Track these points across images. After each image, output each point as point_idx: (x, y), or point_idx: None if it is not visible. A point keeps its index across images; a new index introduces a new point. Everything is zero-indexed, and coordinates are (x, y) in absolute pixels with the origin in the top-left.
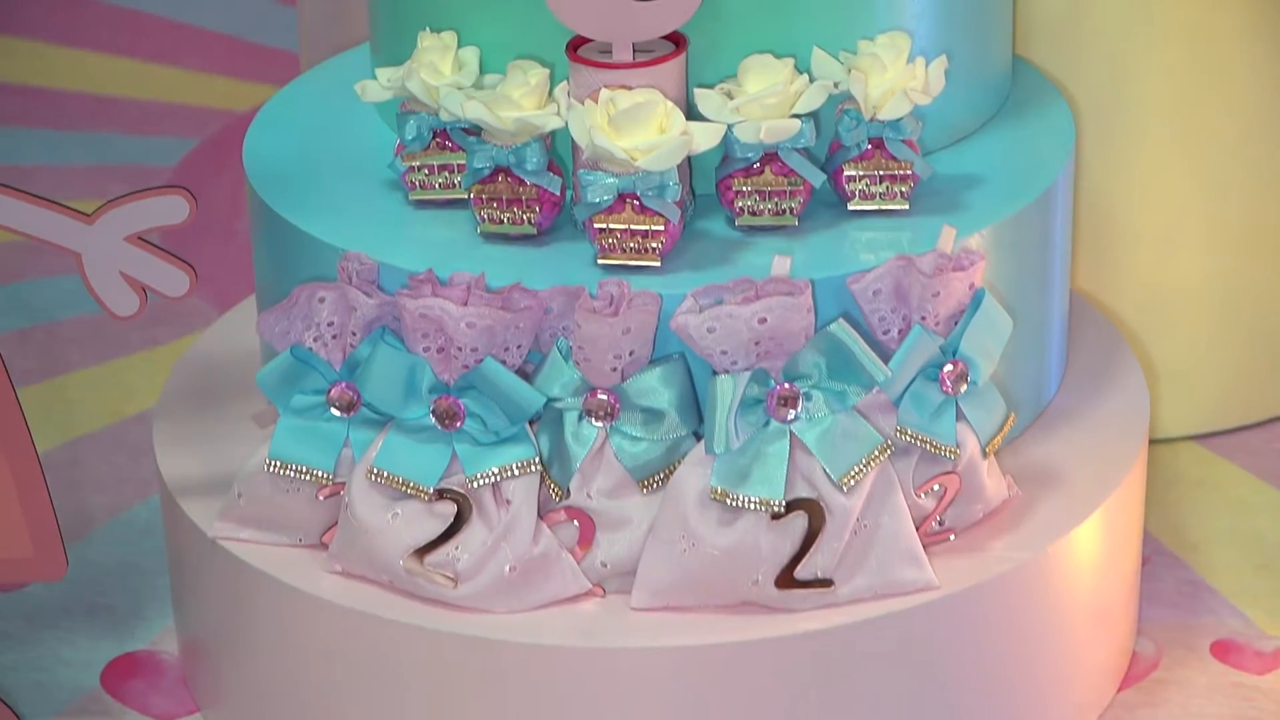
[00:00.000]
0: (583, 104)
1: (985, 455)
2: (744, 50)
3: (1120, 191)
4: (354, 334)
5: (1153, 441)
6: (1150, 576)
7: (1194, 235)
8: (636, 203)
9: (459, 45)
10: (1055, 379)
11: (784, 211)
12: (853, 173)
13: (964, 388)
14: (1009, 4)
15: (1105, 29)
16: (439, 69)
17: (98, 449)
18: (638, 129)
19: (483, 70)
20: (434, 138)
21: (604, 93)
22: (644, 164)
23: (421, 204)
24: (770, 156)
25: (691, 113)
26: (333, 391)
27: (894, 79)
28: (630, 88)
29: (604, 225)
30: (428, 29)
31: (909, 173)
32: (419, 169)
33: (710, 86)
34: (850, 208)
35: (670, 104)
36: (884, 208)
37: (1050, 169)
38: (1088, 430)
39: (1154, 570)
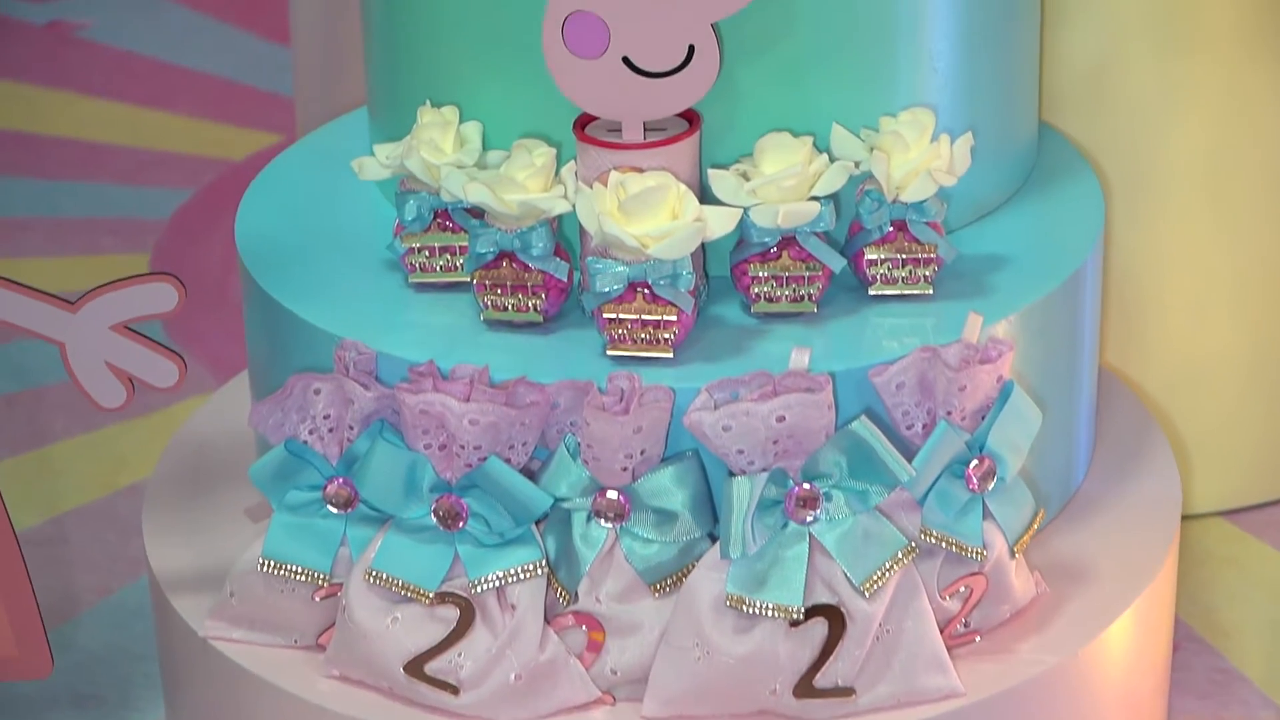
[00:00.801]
0: (591, 186)
1: (1013, 555)
2: (760, 126)
3: (1147, 259)
4: (351, 427)
5: (1181, 518)
6: (1180, 665)
7: (1222, 305)
8: (648, 291)
9: (461, 119)
10: (1083, 463)
11: (802, 298)
12: (874, 256)
13: (991, 485)
14: (1035, 72)
15: (1133, 94)
16: (440, 146)
17: (86, 525)
18: (649, 215)
19: (486, 146)
20: (435, 218)
21: (613, 175)
22: (655, 252)
23: (422, 286)
24: (788, 240)
25: (705, 193)
26: (329, 488)
27: (917, 158)
28: (641, 169)
29: (614, 315)
30: (428, 102)
31: (933, 256)
32: (419, 251)
33: (725, 166)
34: (871, 292)
35: (683, 188)
36: (907, 292)
37: (1079, 248)
38: (1117, 519)
39: (1184, 658)
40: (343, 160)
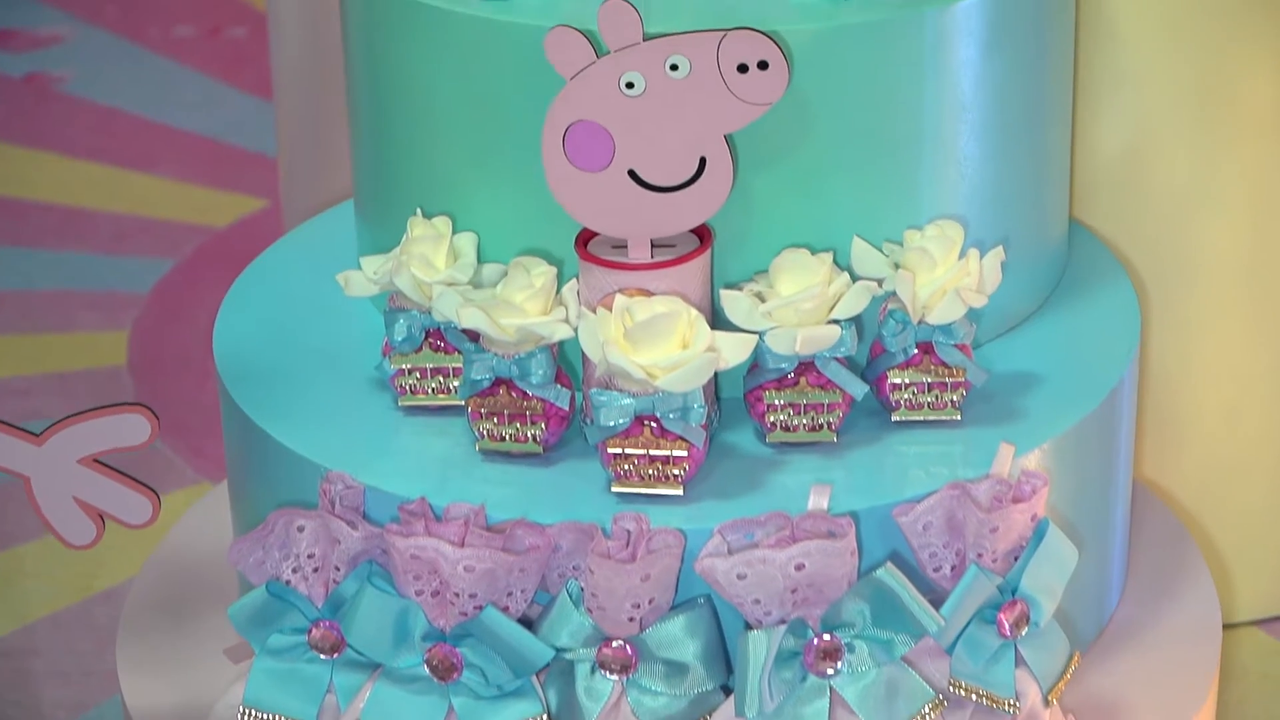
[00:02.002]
0: (594, 310)
1: (1047, 703)
2: (776, 239)
3: (1180, 358)
4: (338, 568)
5: None
6: None
7: (1257, 409)
8: (656, 425)
9: (454, 229)
10: (1117, 589)
11: (821, 426)
12: (898, 381)
13: (1024, 630)
14: (1066, 171)
15: (1165, 184)
16: (431, 262)
17: (58, 634)
18: (657, 343)
19: (481, 258)
20: (426, 337)
21: (619, 300)
22: (664, 384)
23: (412, 409)
24: (806, 365)
25: (717, 315)
26: (314, 632)
27: (945, 276)
28: (649, 291)
29: (619, 450)
30: (419, 212)
31: (961, 380)
32: (409, 372)
33: (738, 285)
34: (895, 419)
35: (695, 314)
36: (933, 418)
37: (1115, 365)
38: (1155, 651)
39: None
40: (327, 262)
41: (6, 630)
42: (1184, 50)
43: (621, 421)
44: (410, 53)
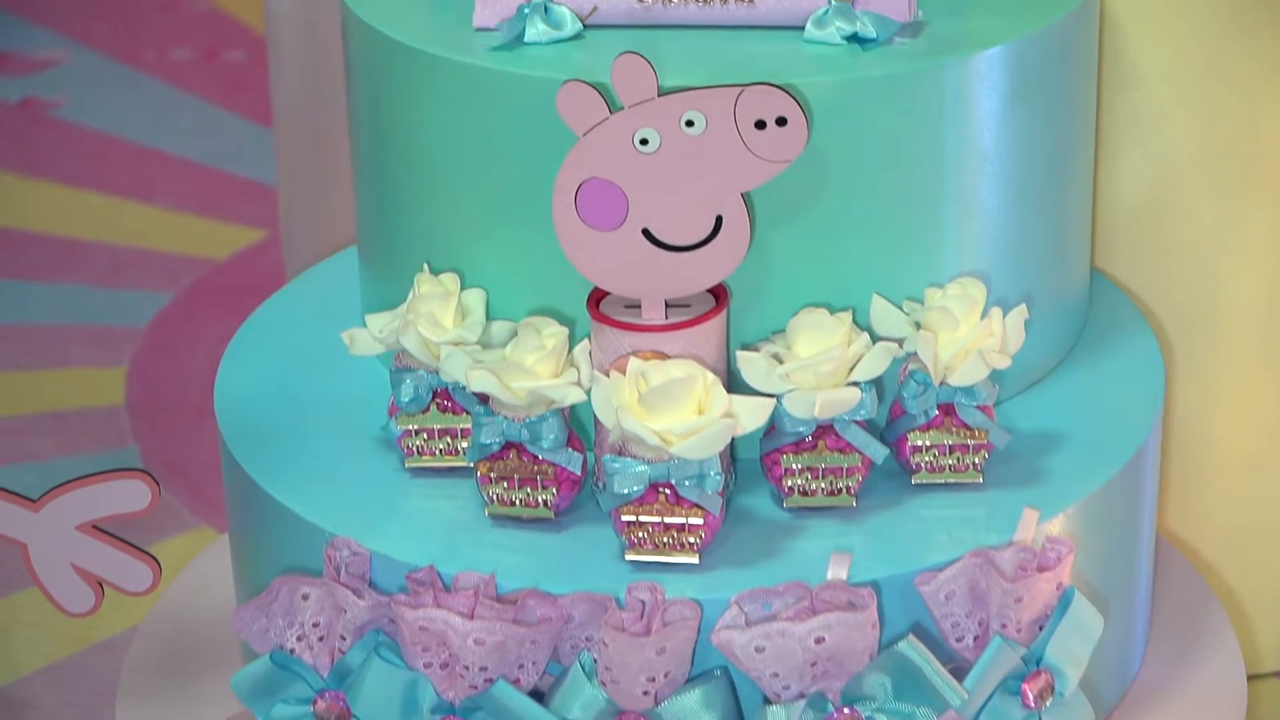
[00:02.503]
0: (607, 372)
1: None
2: (793, 297)
3: (1203, 412)
4: (343, 638)
5: None
6: None
7: None
8: (671, 492)
9: (462, 285)
10: (1140, 650)
11: (840, 491)
12: (919, 443)
13: (1049, 701)
14: (1088, 222)
15: (1188, 234)
16: (439, 321)
17: (55, 686)
18: (673, 409)
19: (490, 315)
20: (434, 397)
21: (633, 364)
22: (680, 451)
23: (419, 470)
24: (825, 428)
25: (733, 375)
26: (319, 704)
27: (967, 336)
28: (663, 353)
29: (633, 518)
30: (426, 267)
31: (984, 442)
32: (416, 433)
33: (755, 345)
34: (915, 481)
35: (711, 378)
36: (954, 481)
37: (1139, 423)
38: (1179, 715)
39: None
40: (330, 313)
41: (2, 682)
42: (1208, 95)
43: (636, 489)
44: (416, 103)
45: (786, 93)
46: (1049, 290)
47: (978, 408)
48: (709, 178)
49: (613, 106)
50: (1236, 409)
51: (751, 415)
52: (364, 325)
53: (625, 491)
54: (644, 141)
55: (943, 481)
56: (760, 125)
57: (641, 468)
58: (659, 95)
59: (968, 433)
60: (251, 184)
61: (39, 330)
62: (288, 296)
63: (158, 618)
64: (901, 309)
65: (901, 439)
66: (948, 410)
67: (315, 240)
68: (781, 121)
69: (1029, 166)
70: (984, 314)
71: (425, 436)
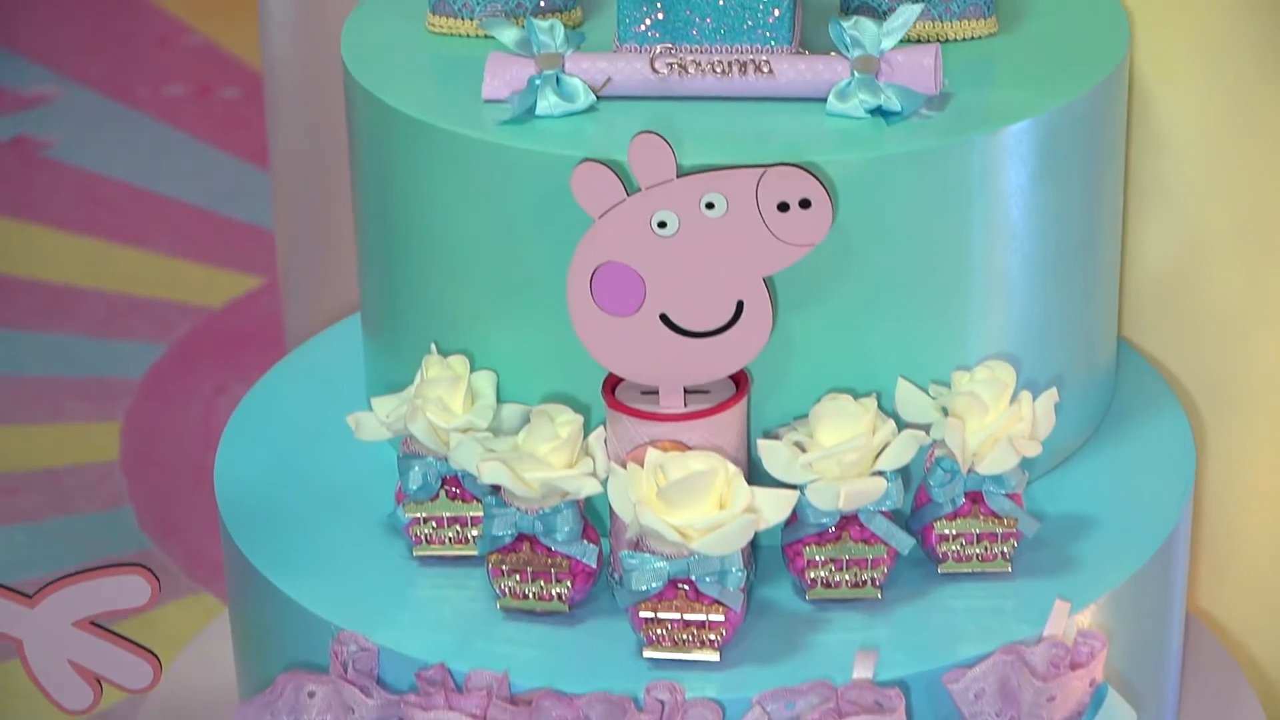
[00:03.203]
0: (623, 462)
1: None
2: (816, 382)
3: (1231, 486)
4: None
5: None
6: None
7: None
8: (690, 588)
9: (472, 367)
10: None
11: (864, 583)
12: (946, 532)
13: None
14: (1115, 294)
15: (1216, 303)
16: (448, 406)
17: None
18: (693, 503)
19: (501, 397)
20: (443, 484)
21: (651, 455)
22: (700, 547)
23: (428, 559)
24: (849, 518)
25: (754, 464)
26: None
27: (996, 423)
28: (682, 443)
29: (652, 614)
30: (434, 348)
31: (1013, 530)
32: (425, 521)
33: (776, 432)
34: (942, 571)
35: (732, 470)
36: (982, 570)
37: (1170, 506)
38: None
39: None
40: (333, 388)
41: None
42: (1236, 160)
43: (654, 586)
44: (424, 177)
45: (810, 174)
46: (1077, 367)
47: (1006, 496)
48: (730, 262)
49: (629, 187)
50: (1266, 483)
51: (774, 509)
52: (369, 406)
53: (643, 588)
54: (662, 224)
55: (970, 570)
56: (783, 207)
57: (660, 564)
58: (678, 176)
59: (996, 521)
60: (247, 228)
61: (31, 383)
62: (288, 369)
63: (155, 704)
64: (928, 392)
65: (927, 527)
66: (975, 498)
67: (314, 288)
68: (805, 204)
69: (1058, 242)
70: (1013, 398)
71: (434, 525)
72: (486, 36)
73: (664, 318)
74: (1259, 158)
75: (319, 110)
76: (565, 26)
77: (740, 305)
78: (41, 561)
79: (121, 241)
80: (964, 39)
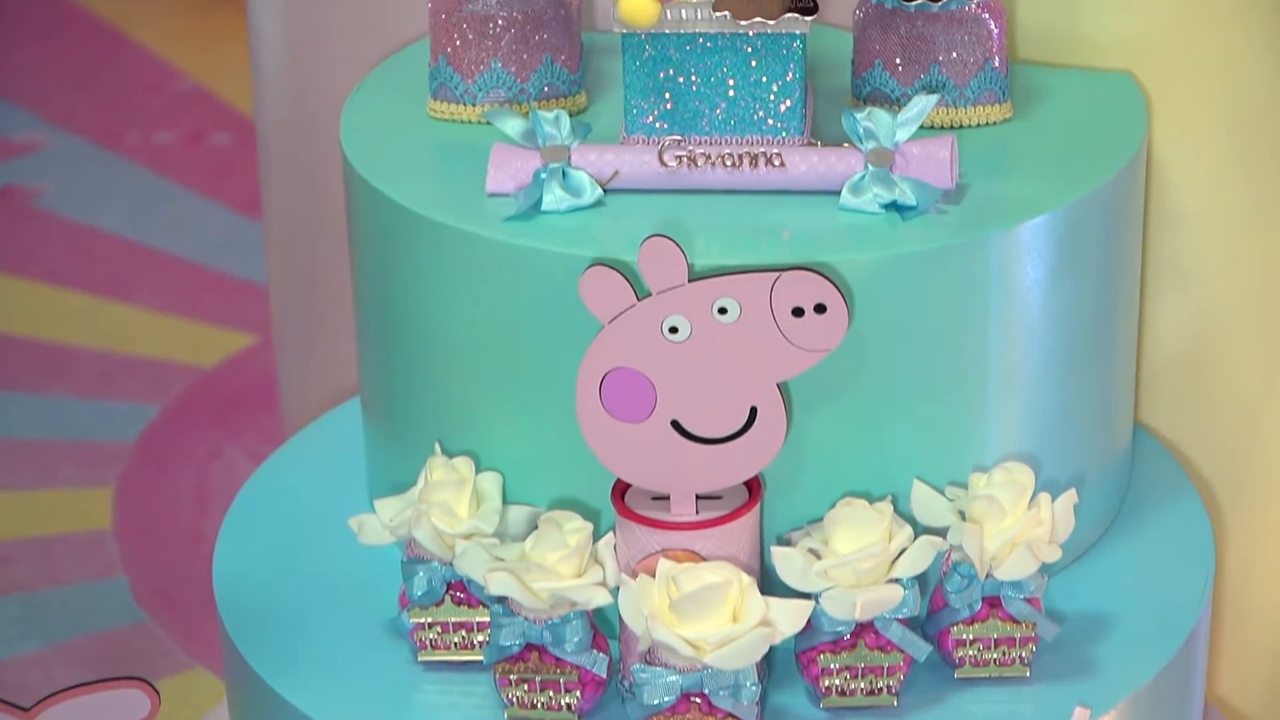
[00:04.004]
0: (634, 572)
1: None
2: (830, 486)
3: (1248, 571)
4: None
5: None
6: None
7: None
8: (704, 701)
9: (477, 467)
10: None
11: (880, 690)
12: (963, 637)
13: None
14: (1132, 381)
15: (1233, 382)
16: (453, 510)
17: None
18: (706, 616)
19: (507, 497)
20: (448, 589)
21: (663, 567)
22: (714, 660)
23: (433, 664)
24: (864, 625)
25: (767, 570)
26: None
27: (1015, 527)
28: (694, 552)
29: None
30: (437, 448)
31: (1031, 635)
32: (429, 626)
33: (790, 536)
34: (958, 675)
35: (746, 581)
36: (999, 675)
37: (1190, 604)
38: None
39: None
40: (333, 479)
41: None
42: (1254, 241)
43: (667, 699)
44: (426, 273)
45: (826, 278)
46: (1095, 461)
47: (1025, 600)
48: (743, 368)
49: (639, 290)
50: None
51: (789, 620)
52: (371, 501)
53: (656, 702)
54: (674, 330)
55: (987, 675)
56: (798, 312)
57: (673, 678)
58: (689, 279)
59: (1014, 626)
60: (240, 283)
61: (21, 446)
62: (288, 456)
63: None
64: (945, 494)
65: (944, 631)
66: (993, 603)
67: (310, 345)
68: (821, 308)
69: (1076, 335)
70: (1031, 499)
71: (439, 630)
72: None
73: (675, 424)
74: (1276, 238)
75: (312, 159)
76: (570, 114)
77: (753, 411)
78: (34, 635)
79: (113, 297)
80: (979, 125)
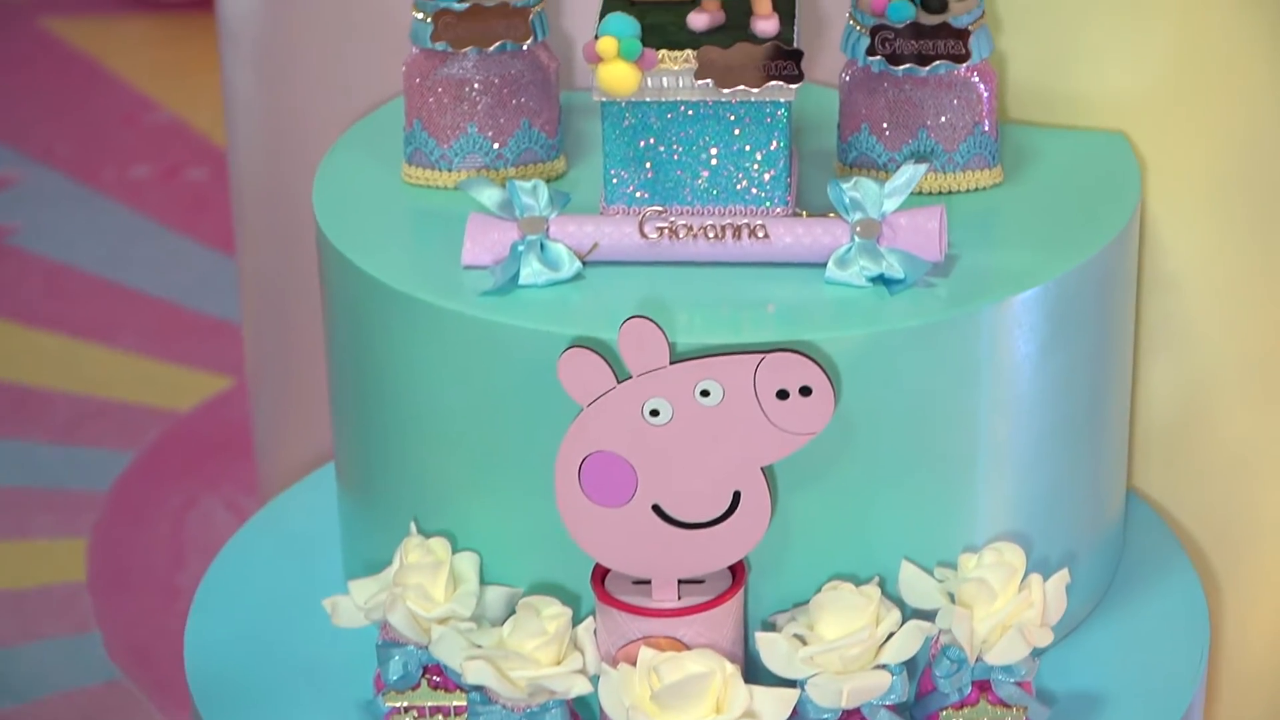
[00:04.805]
0: (615, 660)
1: None
2: (816, 568)
3: (1242, 633)
4: None
5: None
6: None
7: None
8: None
9: (454, 547)
10: None
11: None
12: None
13: None
14: (1125, 449)
15: (1227, 451)
16: (429, 594)
17: None
18: (689, 707)
19: (484, 578)
20: (424, 673)
21: (644, 656)
22: None
23: None
24: (852, 712)
25: (750, 656)
26: None
27: (1005, 609)
28: (677, 639)
29: None
30: (413, 528)
31: (1022, 719)
32: (406, 711)
33: (774, 621)
34: None
35: (730, 670)
36: None
37: (1184, 683)
38: None
39: None
40: (307, 550)
41: None
42: (1247, 304)
43: None
44: (401, 348)
45: (811, 360)
46: (1088, 536)
47: (1016, 684)
48: (726, 452)
49: (619, 373)
50: (1277, 632)
51: (774, 710)
52: (345, 579)
53: None
54: (655, 413)
55: None
56: (783, 395)
57: None
58: (671, 361)
59: (1005, 710)
60: (216, 322)
61: None
62: (260, 527)
63: None
64: (934, 575)
65: (933, 716)
66: (983, 686)
67: (284, 390)
68: (806, 391)
69: (1069, 408)
70: (1023, 579)
71: (415, 714)
72: None
73: (657, 508)
74: (1269, 300)
75: (286, 198)
76: (549, 179)
77: (737, 495)
78: (7, 693)
79: (87, 338)
80: (968, 190)
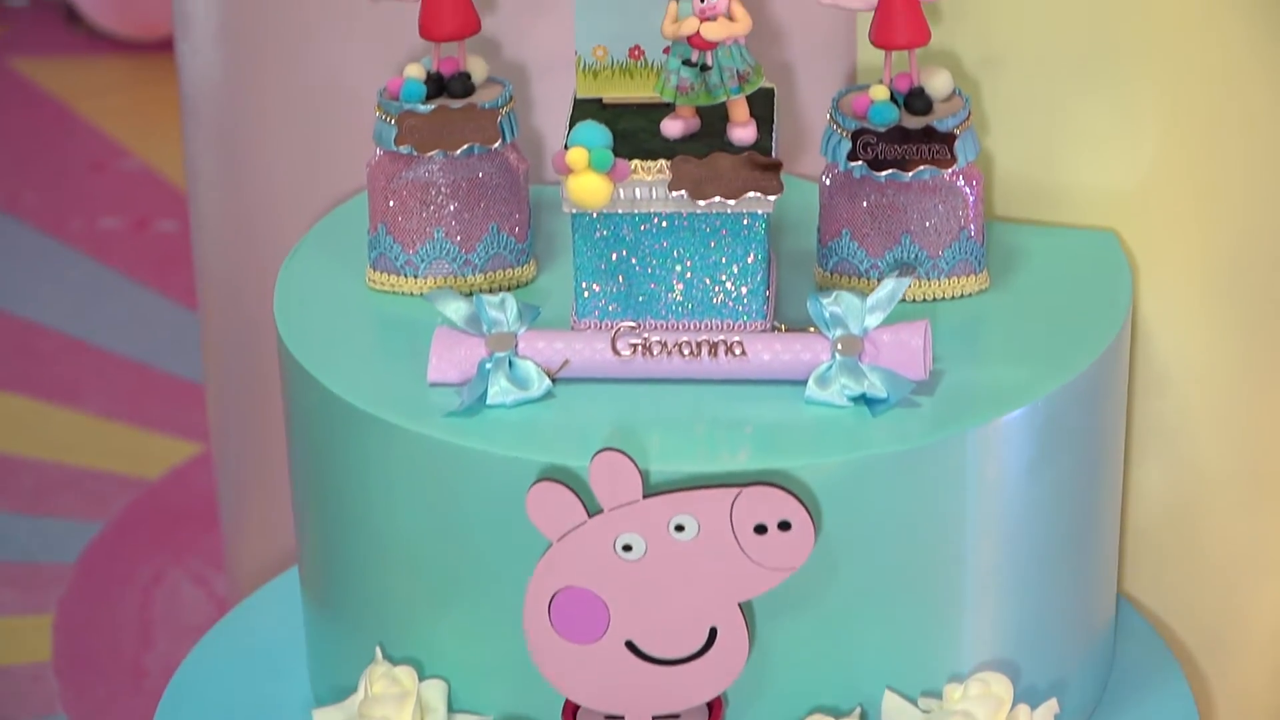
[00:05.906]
0: None
1: None
2: (796, 699)
3: None
4: None
5: None
6: None
7: None
8: None
9: (421, 674)
10: None
11: None
12: None
13: None
14: (1115, 561)
15: (1219, 557)
16: None
17: None
18: None
19: (453, 706)
20: None
21: None
22: None
23: None
24: None
25: None
26: None
27: None
28: None
29: None
30: (378, 653)
31: None
32: None
33: None
34: None
35: None
36: None
37: None
38: None
39: None
40: (271, 660)
41: None
42: (1240, 406)
43: None
44: (366, 469)
45: (790, 493)
46: (1077, 659)
47: None
48: (702, 587)
49: (589, 505)
50: None
51: None
52: (311, 693)
53: None
54: (627, 548)
55: None
56: (761, 530)
57: None
58: (644, 494)
59: None
60: (181, 384)
61: None
62: (223, 637)
63: None
64: (918, 705)
65: None
66: None
67: (249, 459)
68: (785, 525)
69: (1057, 528)
70: (1010, 709)
71: None
72: None
73: (630, 645)
74: (1261, 400)
75: (252, 247)
76: (519, 285)
77: (713, 631)
78: None
79: (54, 401)
80: (953, 297)
